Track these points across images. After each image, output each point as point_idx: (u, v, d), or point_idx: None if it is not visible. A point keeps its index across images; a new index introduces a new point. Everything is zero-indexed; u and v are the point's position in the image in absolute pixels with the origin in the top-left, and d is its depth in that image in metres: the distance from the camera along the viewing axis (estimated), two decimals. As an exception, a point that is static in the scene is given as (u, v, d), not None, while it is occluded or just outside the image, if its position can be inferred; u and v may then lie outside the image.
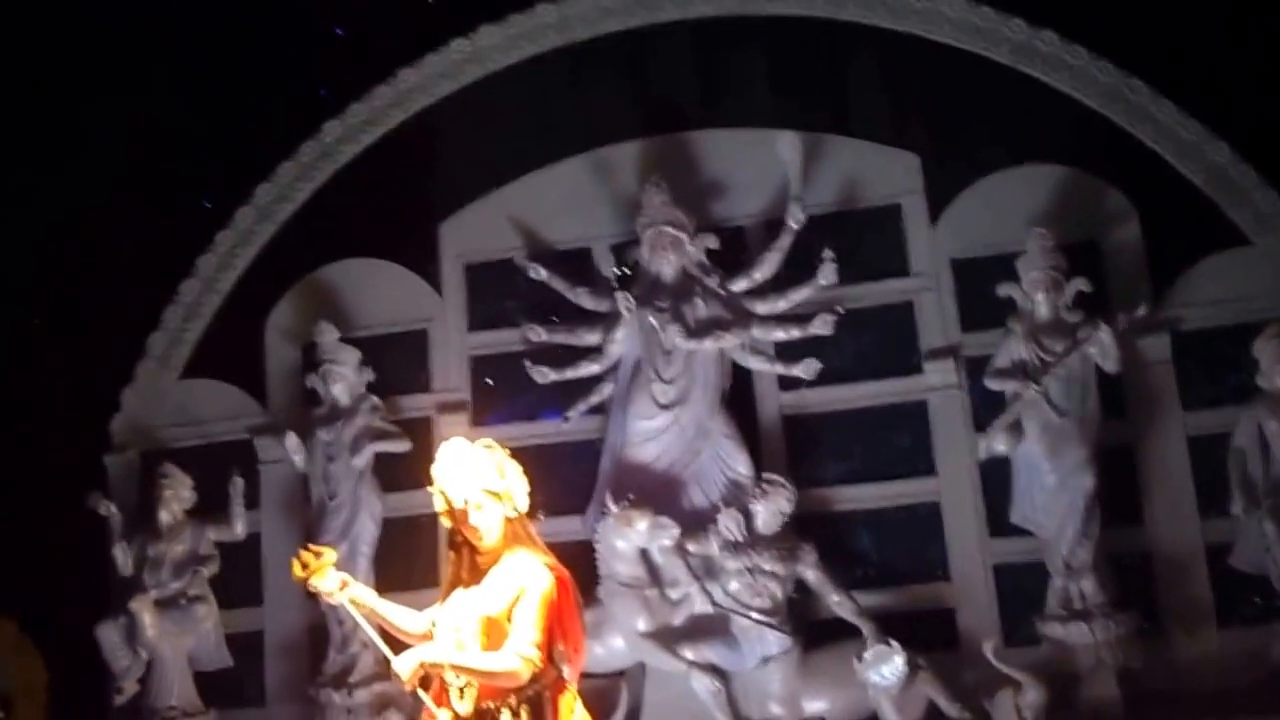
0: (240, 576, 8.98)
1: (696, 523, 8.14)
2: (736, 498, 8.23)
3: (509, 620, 4.38)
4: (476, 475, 4.48)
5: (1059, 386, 7.90)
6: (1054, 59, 8.67)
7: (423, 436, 8.80)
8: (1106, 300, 8.20)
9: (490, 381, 9.10)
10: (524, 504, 4.57)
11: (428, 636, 4.58)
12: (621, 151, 9.11)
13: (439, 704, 4.43)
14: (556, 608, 4.44)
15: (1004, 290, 8.18)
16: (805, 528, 8.17)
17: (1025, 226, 8.23)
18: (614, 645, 8.02)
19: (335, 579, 4.57)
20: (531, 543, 4.56)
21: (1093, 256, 8.34)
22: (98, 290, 9.20)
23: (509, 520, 4.52)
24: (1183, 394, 8.21)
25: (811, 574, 7.96)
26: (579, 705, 4.56)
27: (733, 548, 7.95)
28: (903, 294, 8.70)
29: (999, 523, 8.20)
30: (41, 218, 9.51)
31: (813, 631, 7.99)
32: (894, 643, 7.58)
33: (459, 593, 4.55)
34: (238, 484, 8.92)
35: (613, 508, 8.02)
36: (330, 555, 4.64)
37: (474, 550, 4.54)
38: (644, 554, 8.09)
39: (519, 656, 4.31)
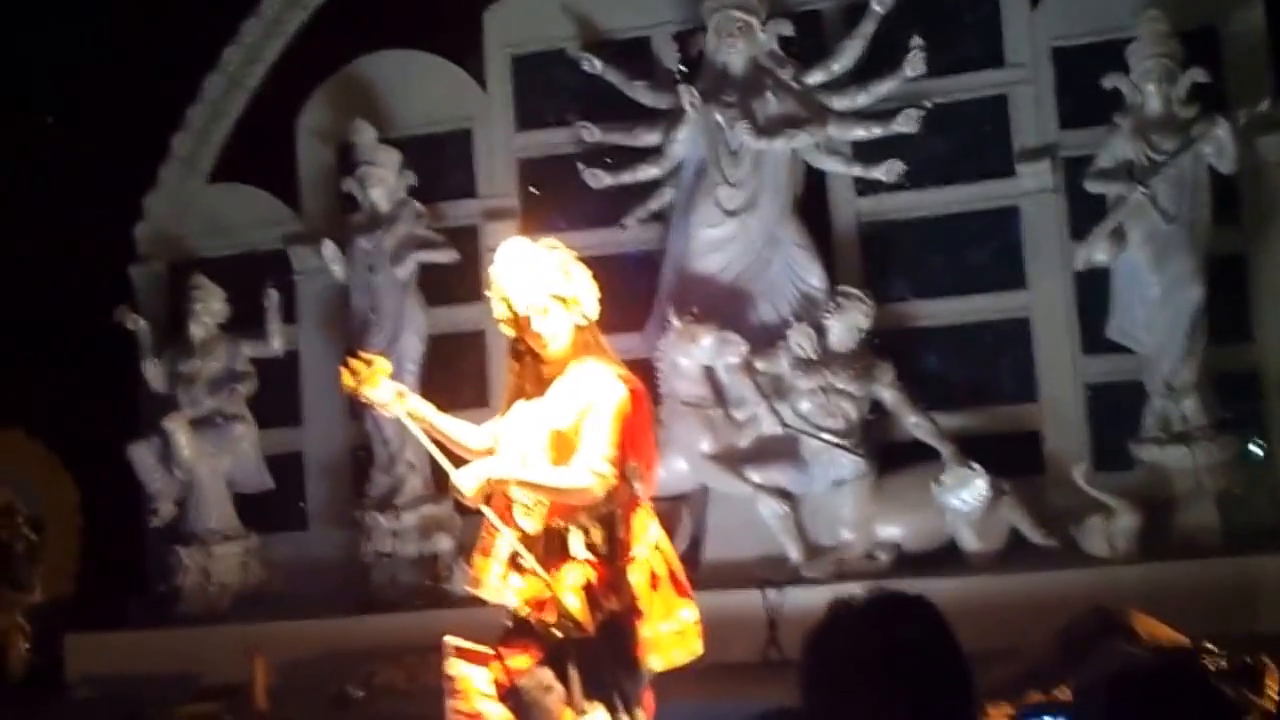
0: (278, 395, 9.20)
1: (765, 339, 8.22)
2: (809, 312, 8.28)
3: (579, 434, 4.35)
4: (541, 278, 4.42)
5: (1168, 189, 7.78)
6: None
7: (469, 246, 8.92)
8: (1223, 94, 8.01)
9: (535, 190, 9.11)
10: (593, 310, 4.50)
11: (489, 452, 4.57)
12: (686, -72, 8.91)
13: (504, 522, 4.44)
14: (630, 421, 4.39)
15: (1110, 81, 8.00)
16: (882, 345, 8.22)
17: (1136, 9, 8.02)
18: (676, 467, 8.13)
19: (390, 389, 4.57)
20: (602, 352, 4.52)
21: (1210, 44, 8.14)
22: (115, 87, 9.17)
23: (577, 328, 4.47)
24: (1302, 199, 8.08)
25: (888, 394, 8.06)
26: (653, 523, 4.59)
27: (804, 365, 8.04)
28: (997, 86, 8.56)
29: (1093, 339, 8.19)
30: (54, 4, 9.49)
31: (888, 454, 8.12)
32: (975, 465, 7.70)
33: (522, 405, 4.53)
34: (273, 296, 9.07)
35: (675, 322, 8.10)
36: (383, 364, 4.63)
37: (538, 360, 4.50)
38: (708, 372, 8.20)
39: (592, 472, 4.29)
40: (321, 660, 7.91)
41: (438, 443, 4.62)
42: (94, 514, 9.36)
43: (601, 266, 4.60)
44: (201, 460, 8.99)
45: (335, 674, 7.66)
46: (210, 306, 9.16)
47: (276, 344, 9.12)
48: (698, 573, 7.06)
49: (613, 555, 4.42)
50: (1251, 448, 7.91)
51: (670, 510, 8.19)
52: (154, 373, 9.17)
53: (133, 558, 9.28)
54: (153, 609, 8.93)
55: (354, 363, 4.61)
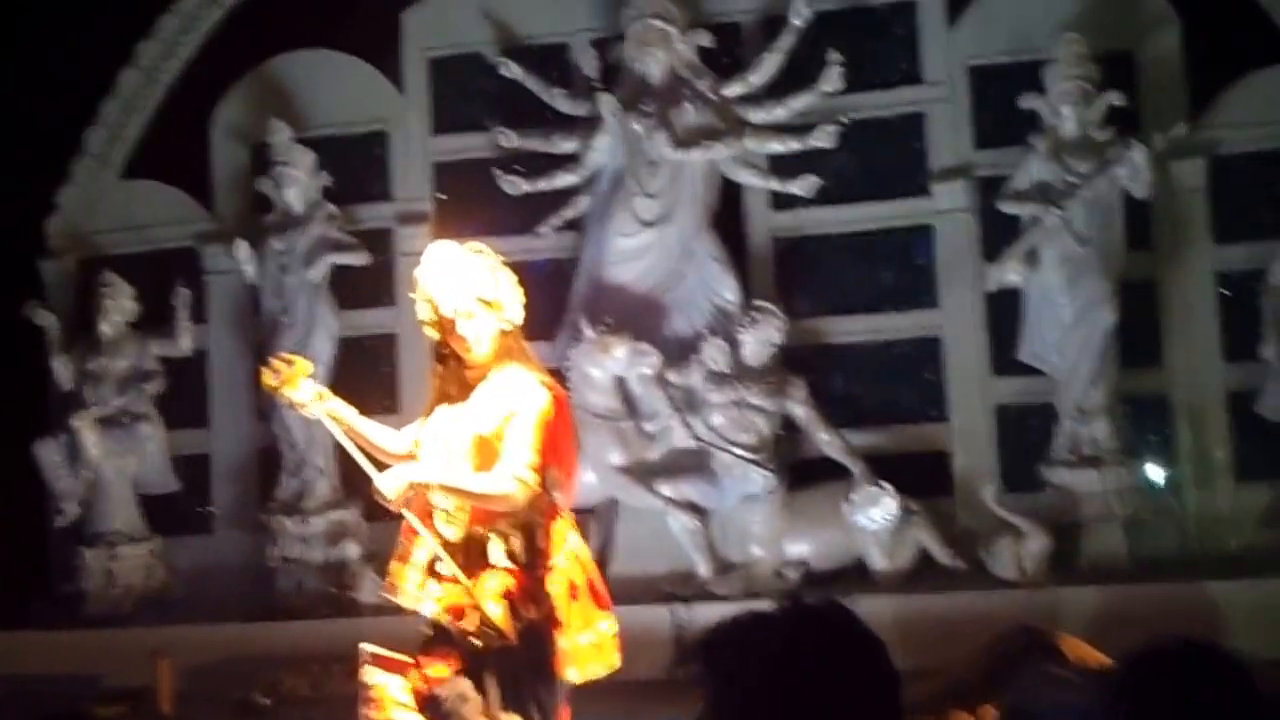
0: (186, 395, 8.85)
1: (678, 351, 7.99)
2: (722, 326, 8.05)
3: (501, 440, 4.26)
4: (467, 281, 4.33)
5: (1082, 212, 7.59)
6: None
7: (382, 249, 8.65)
8: (1139, 118, 7.85)
9: (443, 196, 8.79)
10: (517, 315, 4.42)
11: (410, 457, 4.46)
12: (606, -66, 8.62)
13: (424, 528, 4.34)
14: (552, 428, 4.31)
15: (1027, 102, 7.80)
16: (795, 361, 8.00)
17: (1054, 31, 7.82)
18: (585, 480, 7.79)
19: (310, 389, 4.43)
20: (525, 358, 4.44)
21: (1127, 68, 7.97)
22: (29, 80, 8.77)
23: (501, 333, 4.38)
24: (1214, 225, 7.91)
25: (800, 410, 7.84)
26: (573, 533, 4.51)
27: (717, 379, 7.81)
28: (913, 104, 8.33)
29: (1004, 360, 8.00)
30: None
31: (799, 471, 7.90)
32: (885, 485, 7.52)
33: (444, 409, 4.43)
34: (183, 295, 8.71)
35: (588, 333, 7.86)
36: (305, 364, 4.48)
37: (462, 364, 4.41)
38: (620, 383, 7.96)
39: (514, 478, 4.19)
40: (226, 666, 7.58)
41: (358, 446, 4.47)
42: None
43: (515, 273, 4.45)
44: (108, 460, 8.60)
45: (240, 680, 7.34)
46: (120, 304, 8.77)
47: (185, 343, 8.75)
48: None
49: (532, 564, 4.31)
50: (1150, 475, 7.71)
51: (579, 523, 7.91)
52: (62, 370, 8.77)
53: (37, 557, 8.88)
54: (57, 610, 8.55)
55: (275, 362, 4.47)
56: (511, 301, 4.40)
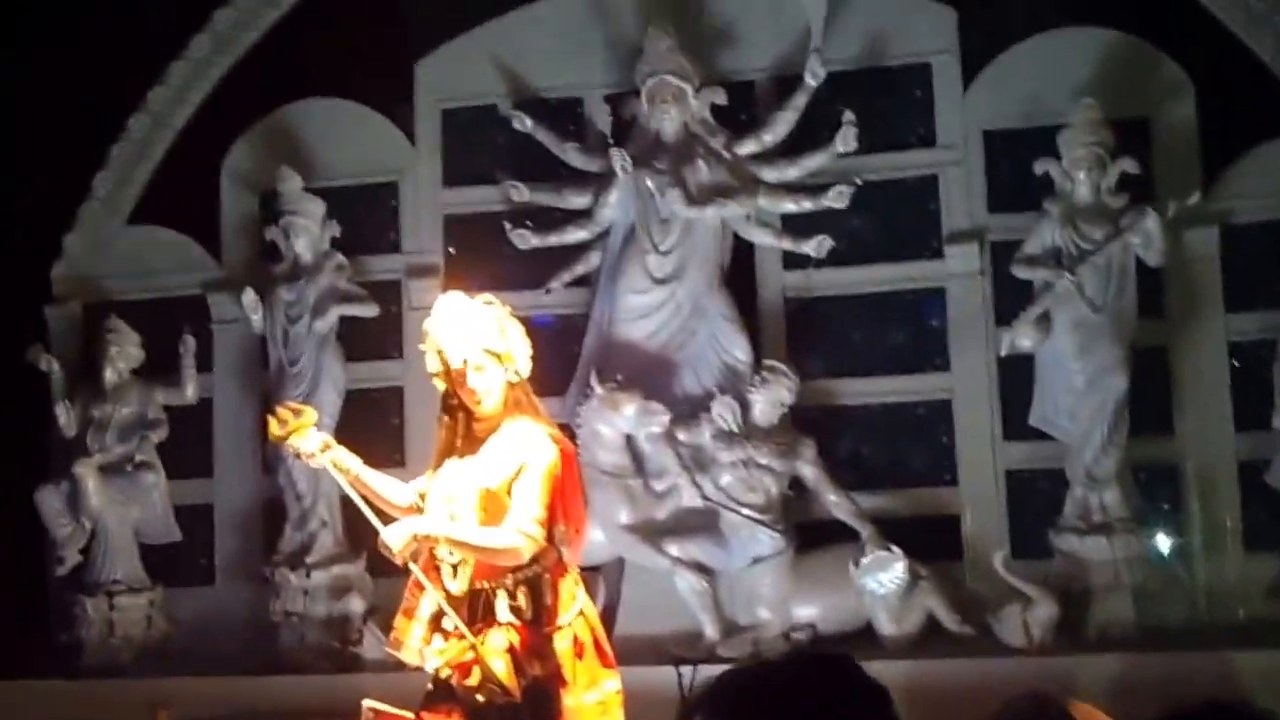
0: (190, 445, 8.71)
1: (688, 410, 7.89)
2: (732, 384, 7.95)
3: (509, 494, 4.24)
4: (477, 333, 4.32)
5: (1095, 278, 7.51)
6: (1110, -92, 8.09)
7: (391, 301, 8.56)
8: (1153, 185, 7.79)
9: (452, 251, 8.68)
10: (526, 368, 4.42)
11: (414, 509, 4.45)
12: (622, -11, 8.55)
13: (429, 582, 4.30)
14: (560, 483, 4.31)
15: (1041, 167, 7.73)
16: (804, 421, 7.90)
17: (1069, 97, 7.76)
18: (592, 538, 7.61)
19: (317, 439, 4.41)
20: (534, 411, 4.43)
21: (1142, 135, 7.90)
22: (37, 125, 8.69)
23: (510, 385, 4.37)
24: (1227, 293, 7.84)
25: (809, 471, 7.77)
26: (580, 590, 4.48)
27: (726, 439, 7.72)
28: (927, 167, 8.25)
29: (1015, 425, 7.91)
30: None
31: (807, 533, 7.80)
32: (894, 548, 7.43)
33: (452, 462, 4.40)
34: (189, 343, 8.56)
35: (598, 389, 7.75)
36: (311, 414, 4.48)
37: (470, 416, 4.39)
38: (629, 441, 7.86)
39: (520, 533, 4.17)
40: (227, 720, 7.43)
41: (363, 497, 4.43)
42: (-2, 559, 8.80)
43: (524, 329, 4.40)
44: (110, 508, 8.45)
45: (240, 735, 7.20)
46: (125, 350, 8.64)
47: (190, 391, 8.61)
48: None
49: (538, 620, 4.28)
50: (1160, 543, 7.64)
51: (586, 581, 7.82)
52: (65, 416, 8.60)
53: (35, 606, 8.72)
54: (54, 659, 8.39)
55: (282, 411, 4.46)
56: (521, 354, 4.40)
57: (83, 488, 8.38)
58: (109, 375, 8.58)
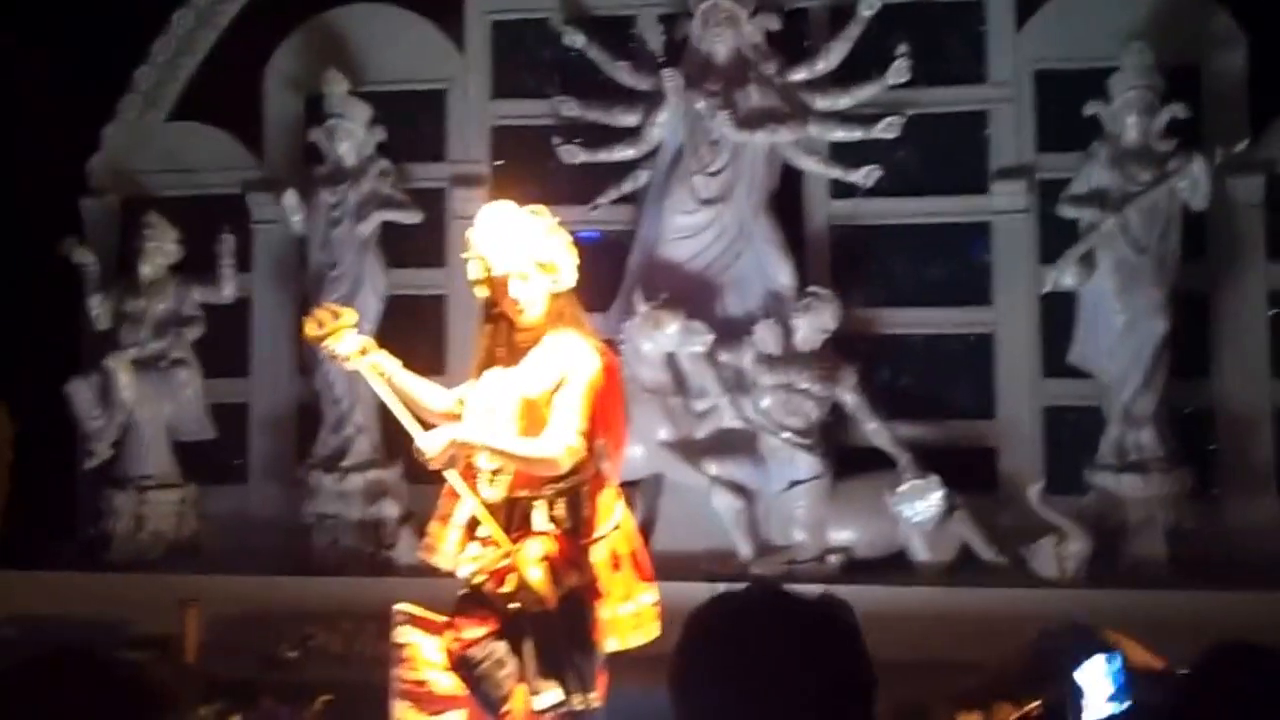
0: (227, 343, 8.54)
1: (730, 332, 7.81)
2: (775, 309, 7.88)
3: (550, 404, 4.12)
4: (522, 242, 4.19)
5: (1140, 220, 7.48)
6: None
7: (434, 209, 8.39)
8: (1200, 131, 7.73)
9: (500, 162, 8.51)
10: (571, 279, 4.27)
11: (453, 416, 4.31)
12: (679, -91, 8.37)
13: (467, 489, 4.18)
14: (602, 396, 4.18)
15: (1091, 108, 7.66)
16: (846, 349, 7.83)
17: (1122, 40, 7.68)
18: (631, 453, 7.59)
19: (355, 342, 4.26)
20: (578, 323, 4.30)
21: (1191, 81, 7.85)
22: (81, 13, 8.39)
23: (554, 295, 4.24)
24: (1270, 242, 7.83)
25: (850, 397, 7.71)
26: (620, 504, 4.36)
27: (768, 362, 7.65)
28: (978, 103, 8.18)
29: (1055, 362, 7.88)
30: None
31: (845, 459, 7.74)
32: (932, 476, 7.39)
33: (493, 371, 4.28)
34: (228, 241, 8.38)
35: (642, 307, 7.67)
36: (350, 316, 4.33)
37: (512, 326, 4.27)
38: (671, 359, 7.77)
39: (561, 443, 4.05)
40: (255, 619, 7.28)
41: (401, 402, 4.28)
42: (28, 450, 8.58)
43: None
44: (142, 403, 8.29)
45: (269, 634, 7.07)
46: (162, 246, 8.44)
47: (228, 290, 8.43)
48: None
49: (576, 531, 4.18)
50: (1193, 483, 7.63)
51: (624, 496, 7.75)
52: (99, 310, 8.43)
53: (63, 499, 8.55)
54: (82, 552, 8.25)
55: (319, 312, 4.32)
56: (566, 265, 4.26)
57: (114, 381, 8.21)
58: (145, 270, 8.39)
